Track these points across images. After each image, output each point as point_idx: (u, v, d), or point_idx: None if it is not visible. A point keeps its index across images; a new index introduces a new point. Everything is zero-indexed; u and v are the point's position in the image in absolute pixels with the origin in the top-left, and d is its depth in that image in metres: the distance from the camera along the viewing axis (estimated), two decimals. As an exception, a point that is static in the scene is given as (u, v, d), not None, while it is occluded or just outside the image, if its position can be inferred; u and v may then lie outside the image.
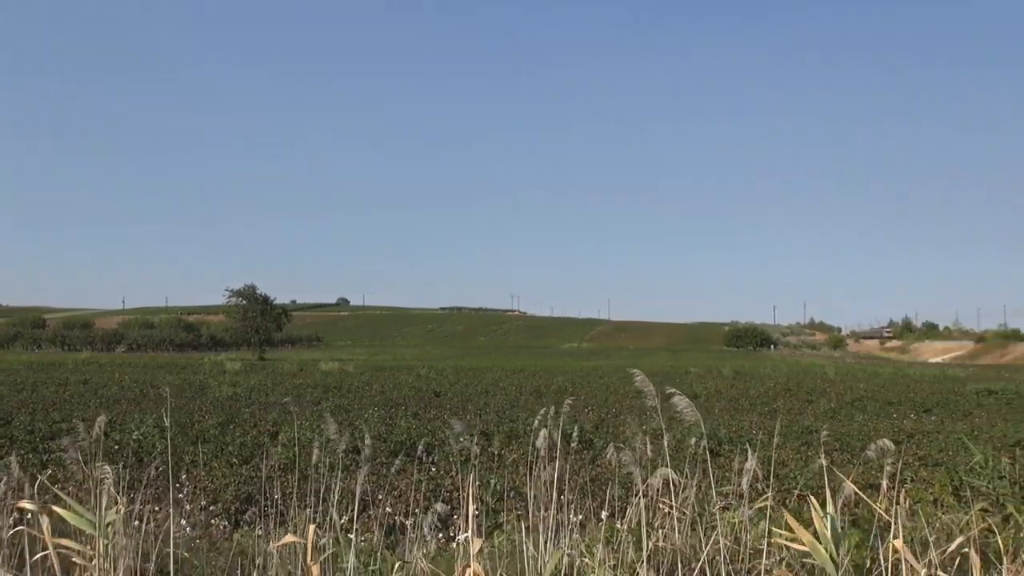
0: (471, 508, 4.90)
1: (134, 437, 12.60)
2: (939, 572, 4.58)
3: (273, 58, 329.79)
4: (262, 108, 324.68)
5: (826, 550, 4.51)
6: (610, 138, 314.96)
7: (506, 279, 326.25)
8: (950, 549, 4.88)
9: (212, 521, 8.45)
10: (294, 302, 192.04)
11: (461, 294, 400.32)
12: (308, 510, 6.35)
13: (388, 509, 8.11)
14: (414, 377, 35.89)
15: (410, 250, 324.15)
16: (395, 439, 13.12)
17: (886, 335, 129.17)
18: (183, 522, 7.60)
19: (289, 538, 4.82)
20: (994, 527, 6.37)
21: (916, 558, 4.44)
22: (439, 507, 6.50)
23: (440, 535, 7.97)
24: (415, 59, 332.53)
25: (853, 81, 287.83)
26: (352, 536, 5.60)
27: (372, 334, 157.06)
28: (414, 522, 6.83)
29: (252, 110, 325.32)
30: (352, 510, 6.80)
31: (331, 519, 5.98)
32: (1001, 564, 4.95)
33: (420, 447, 9.68)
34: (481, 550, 4.86)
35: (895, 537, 4.49)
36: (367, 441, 6.77)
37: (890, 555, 4.62)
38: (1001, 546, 5.06)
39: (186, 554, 5.86)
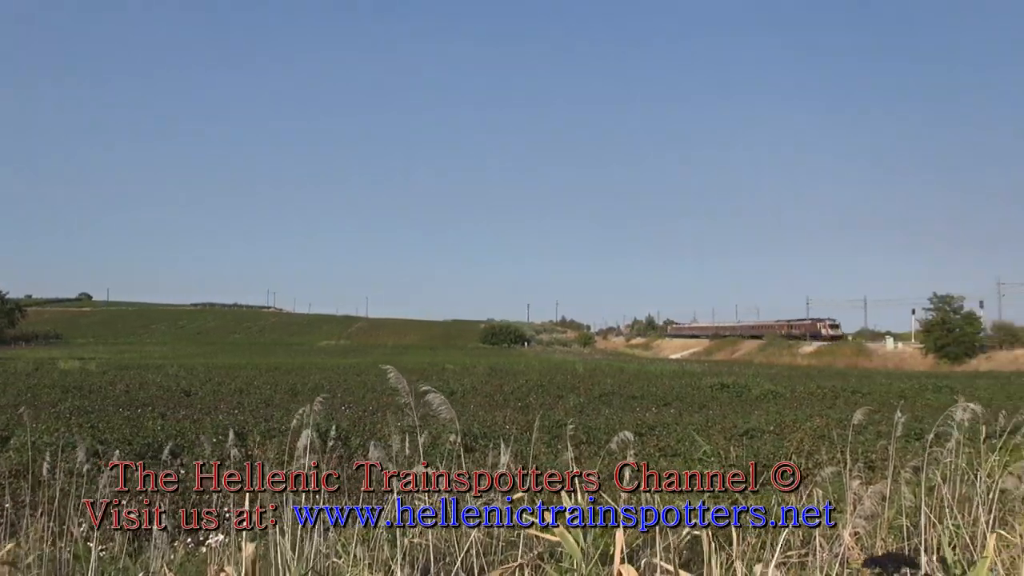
0: (224, 510, 4.80)
1: None
2: (675, 555, 5.00)
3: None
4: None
5: (575, 540, 4.78)
6: (367, 132, 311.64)
7: (263, 276, 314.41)
8: (685, 534, 5.33)
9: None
10: (30, 297, 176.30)
11: (215, 290, 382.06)
12: (44, 519, 5.96)
13: (132, 515, 7.74)
14: (163, 376, 34.20)
15: (159, 244, 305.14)
16: (141, 441, 12.52)
17: (761, 331, 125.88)
18: None
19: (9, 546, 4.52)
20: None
21: (646, 545, 4.80)
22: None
23: (189, 540, 7.72)
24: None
25: (598, 78, 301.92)
26: (92, 545, 5.32)
27: (117, 331, 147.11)
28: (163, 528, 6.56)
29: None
30: (96, 518, 6.45)
31: (68, 527, 5.66)
32: (729, 546, 5.47)
33: (166, 449, 9.30)
34: (233, 552, 4.77)
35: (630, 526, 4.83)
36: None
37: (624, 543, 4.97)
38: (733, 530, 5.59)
39: None
